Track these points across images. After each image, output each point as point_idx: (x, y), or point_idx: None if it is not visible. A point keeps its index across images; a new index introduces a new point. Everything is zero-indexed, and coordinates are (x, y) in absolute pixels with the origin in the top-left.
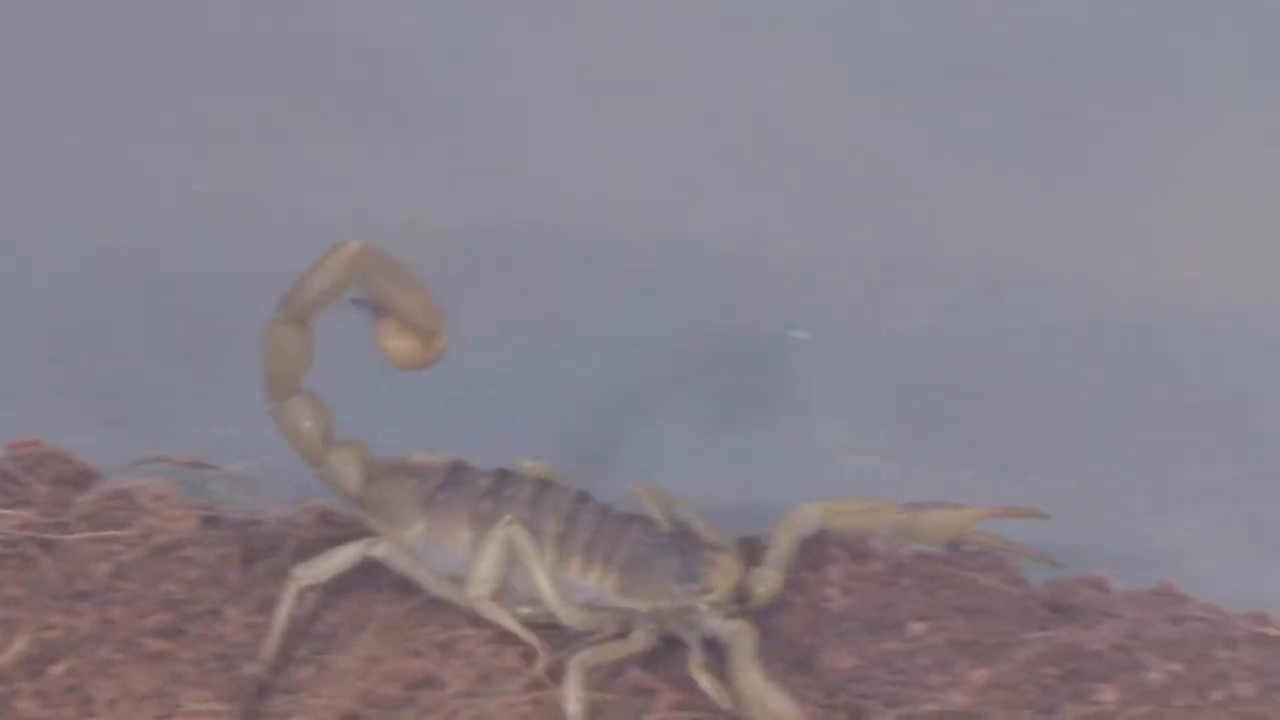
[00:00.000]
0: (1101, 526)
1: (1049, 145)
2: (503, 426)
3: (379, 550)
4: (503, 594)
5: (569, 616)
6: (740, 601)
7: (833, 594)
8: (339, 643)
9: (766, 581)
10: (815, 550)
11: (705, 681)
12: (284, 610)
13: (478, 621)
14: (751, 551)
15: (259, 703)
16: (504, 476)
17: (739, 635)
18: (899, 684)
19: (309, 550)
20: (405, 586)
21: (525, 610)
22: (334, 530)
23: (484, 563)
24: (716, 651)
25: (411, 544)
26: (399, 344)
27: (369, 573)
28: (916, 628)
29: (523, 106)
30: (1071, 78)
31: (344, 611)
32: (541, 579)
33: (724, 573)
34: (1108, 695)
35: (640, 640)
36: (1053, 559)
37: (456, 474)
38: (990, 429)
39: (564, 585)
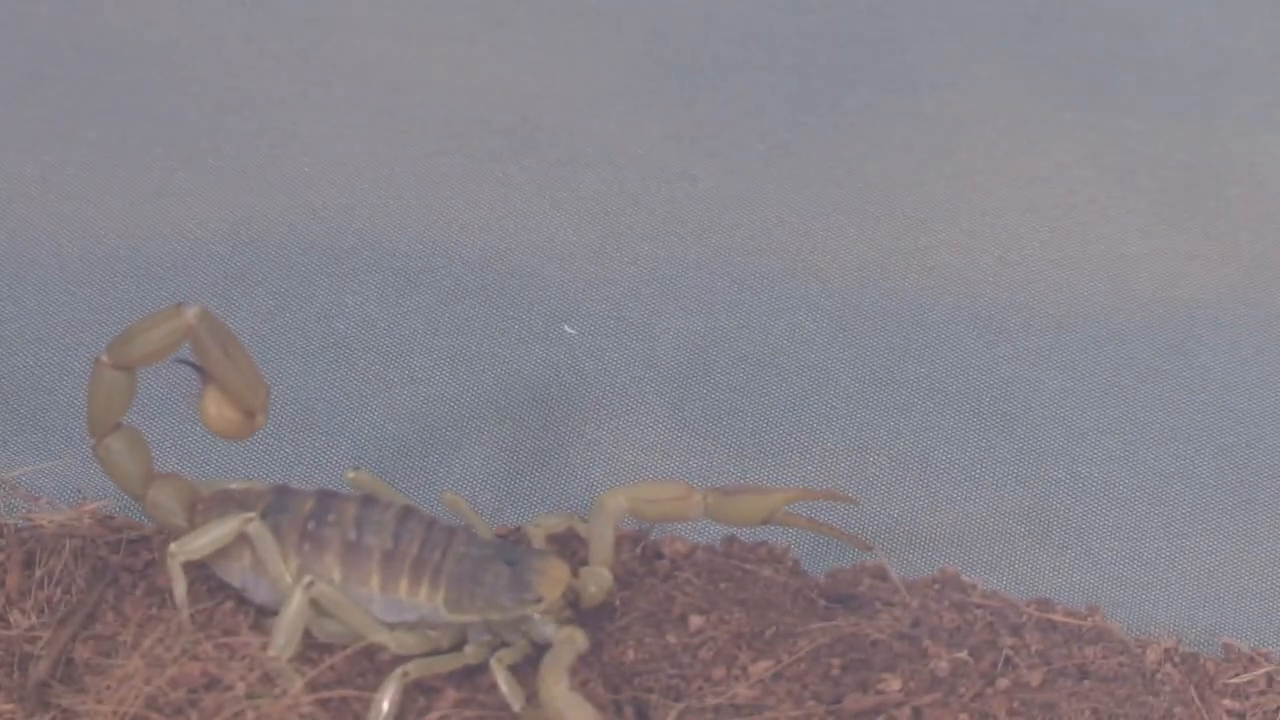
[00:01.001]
0: (875, 514)
1: (816, 134)
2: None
3: (252, 529)
4: (330, 629)
5: (400, 647)
6: (573, 605)
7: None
8: (123, 646)
9: (598, 579)
10: None
11: (501, 678)
12: (180, 584)
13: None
14: (517, 541)
15: (45, 706)
16: (326, 500)
17: (563, 643)
18: (681, 678)
19: (89, 552)
20: (190, 588)
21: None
22: (113, 534)
23: (283, 623)
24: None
25: (240, 575)
26: (219, 413)
27: (152, 575)
28: (696, 621)
29: (278, 108)
30: (839, 64)
31: (128, 614)
32: (361, 625)
33: (552, 579)
34: (892, 685)
35: (474, 653)
36: (864, 541)
37: (280, 500)
38: (759, 421)
39: (393, 605)
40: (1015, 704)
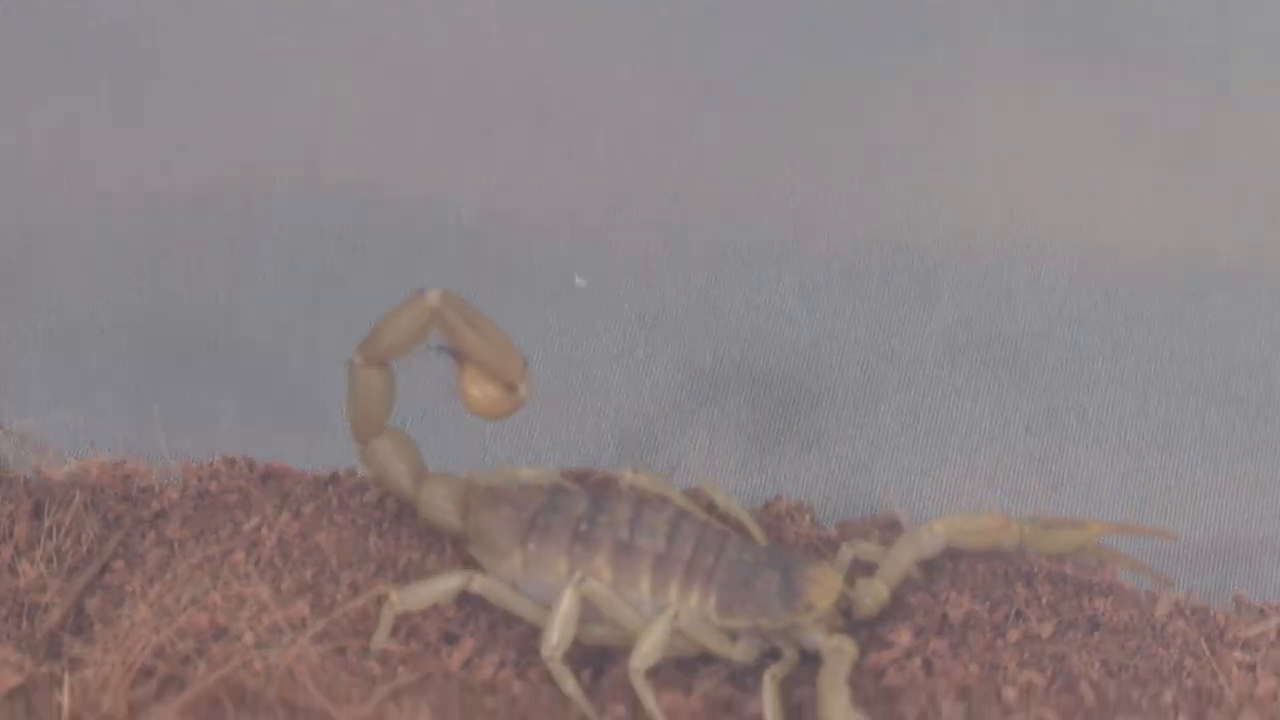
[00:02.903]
0: (887, 466)
1: (824, 90)
2: None
3: (477, 585)
4: (596, 633)
5: (669, 649)
6: (845, 615)
7: None
8: (131, 595)
9: (874, 594)
10: None
11: (769, 695)
12: (381, 636)
13: (266, 575)
14: None
15: (55, 655)
16: (599, 500)
17: (835, 653)
18: None
19: (98, 503)
20: (199, 536)
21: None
22: (122, 484)
23: (556, 621)
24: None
25: (511, 575)
26: (481, 394)
27: (162, 525)
28: None
29: (287, 66)
30: (847, 21)
31: (136, 564)
32: (631, 624)
33: (825, 589)
34: (903, 637)
35: (742, 651)
36: (1161, 575)
37: (553, 499)
38: (769, 375)
39: (663, 608)
40: (1026, 655)
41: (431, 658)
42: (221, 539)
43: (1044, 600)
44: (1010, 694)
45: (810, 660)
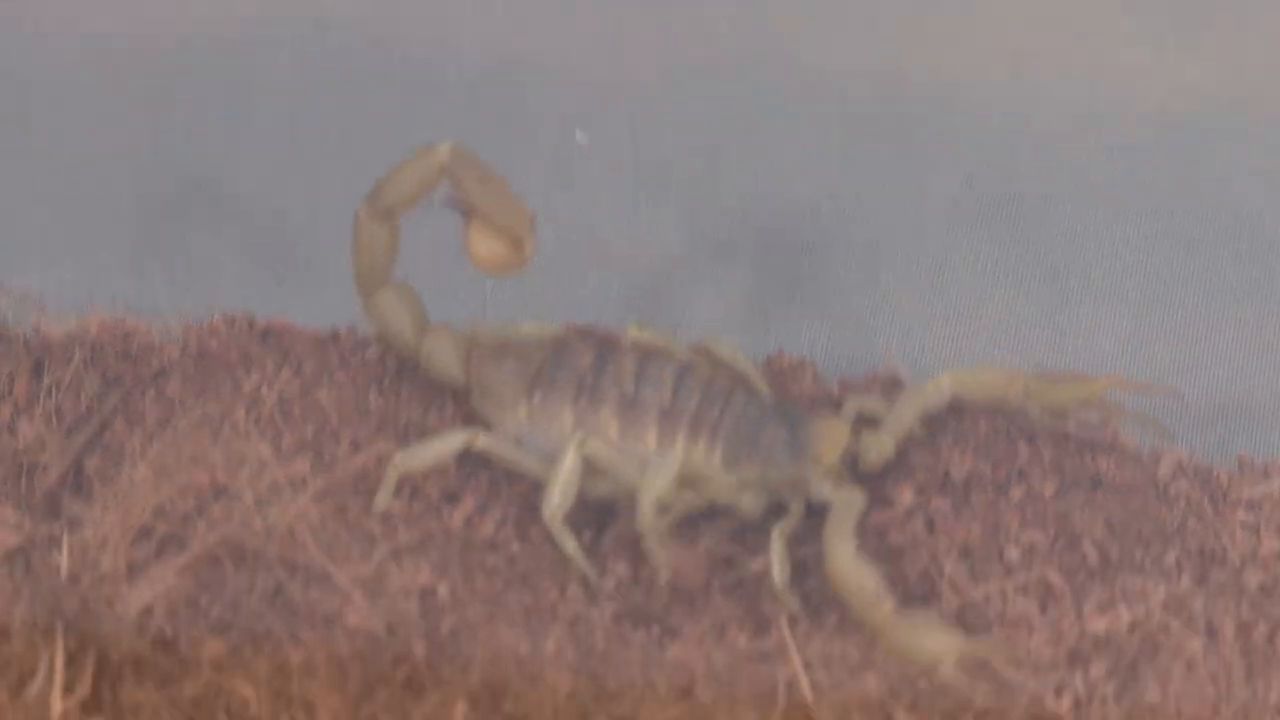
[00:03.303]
0: (889, 323)
1: None
2: None
3: (480, 443)
4: (601, 488)
5: (680, 502)
6: (850, 468)
7: None
8: (131, 454)
9: (879, 446)
10: None
11: (777, 550)
12: (384, 497)
13: (266, 433)
14: None
15: (54, 515)
16: (605, 353)
17: (843, 504)
18: None
19: (98, 361)
20: (199, 394)
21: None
22: (122, 342)
23: (557, 481)
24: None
25: (515, 428)
26: (488, 249)
27: (162, 383)
28: None
29: None
30: None
31: (136, 423)
32: (634, 481)
33: (832, 441)
34: (905, 496)
35: (747, 506)
36: (1165, 429)
37: (559, 353)
38: (772, 230)
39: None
40: (1028, 514)
41: (432, 517)
42: (222, 397)
43: (1046, 459)
44: (1013, 553)
45: (815, 515)
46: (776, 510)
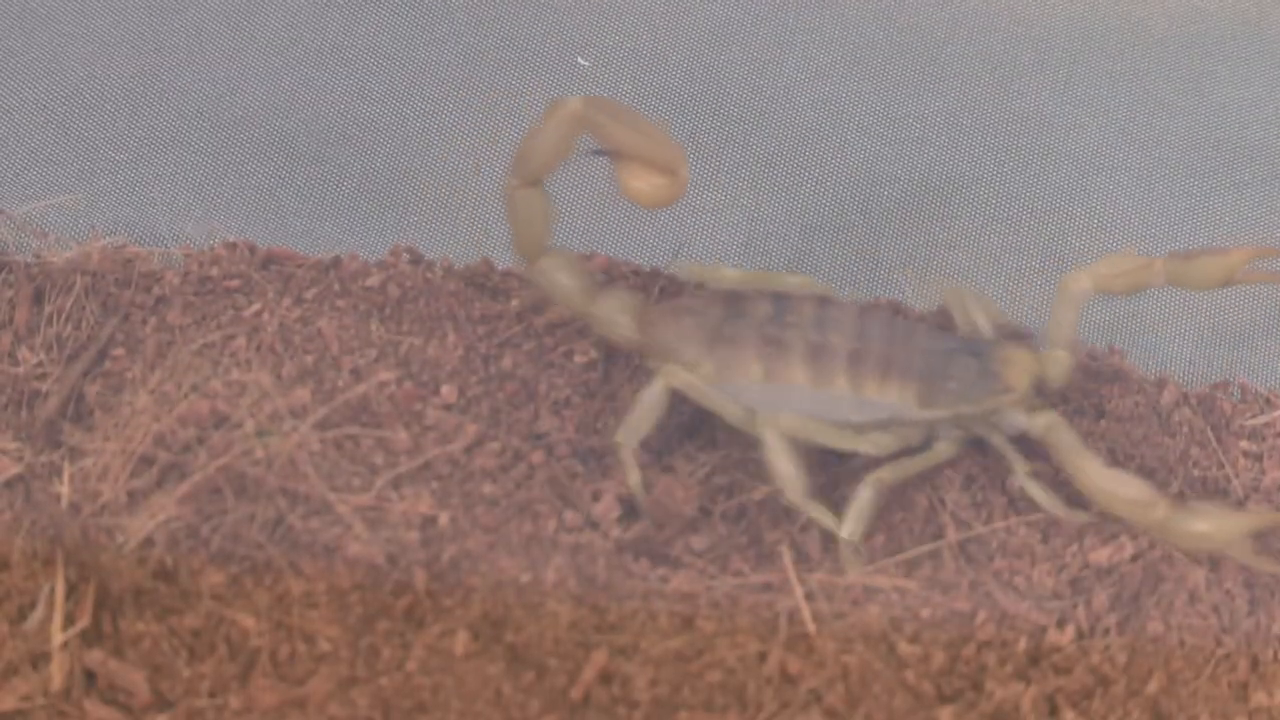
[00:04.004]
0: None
1: None
2: None
3: (678, 379)
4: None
5: (875, 448)
6: (1038, 391)
7: None
8: (132, 383)
9: (1059, 364)
10: None
11: (1036, 491)
12: (634, 475)
13: (267, 361)
14: None
15: (54, 444)
16: (781, 301)
17: (1055, 430)
18: None
19: (99, 289)
20: (200, 322)
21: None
22: (123, 269)
23: (777, 468)
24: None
25: (705, 382)
26: (645, 184)
27: (163, 310)
28: None
29: None
30: None
31: (136, 351)
32: (832, 440)
33: (1021, 368)
34: None
35: (944, 449)
36: None
37: (734, 305)
38: (773, 154)
39: (862, 405)
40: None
41: (432, 445)
42: (222, 325)
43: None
44: (1015, 483)
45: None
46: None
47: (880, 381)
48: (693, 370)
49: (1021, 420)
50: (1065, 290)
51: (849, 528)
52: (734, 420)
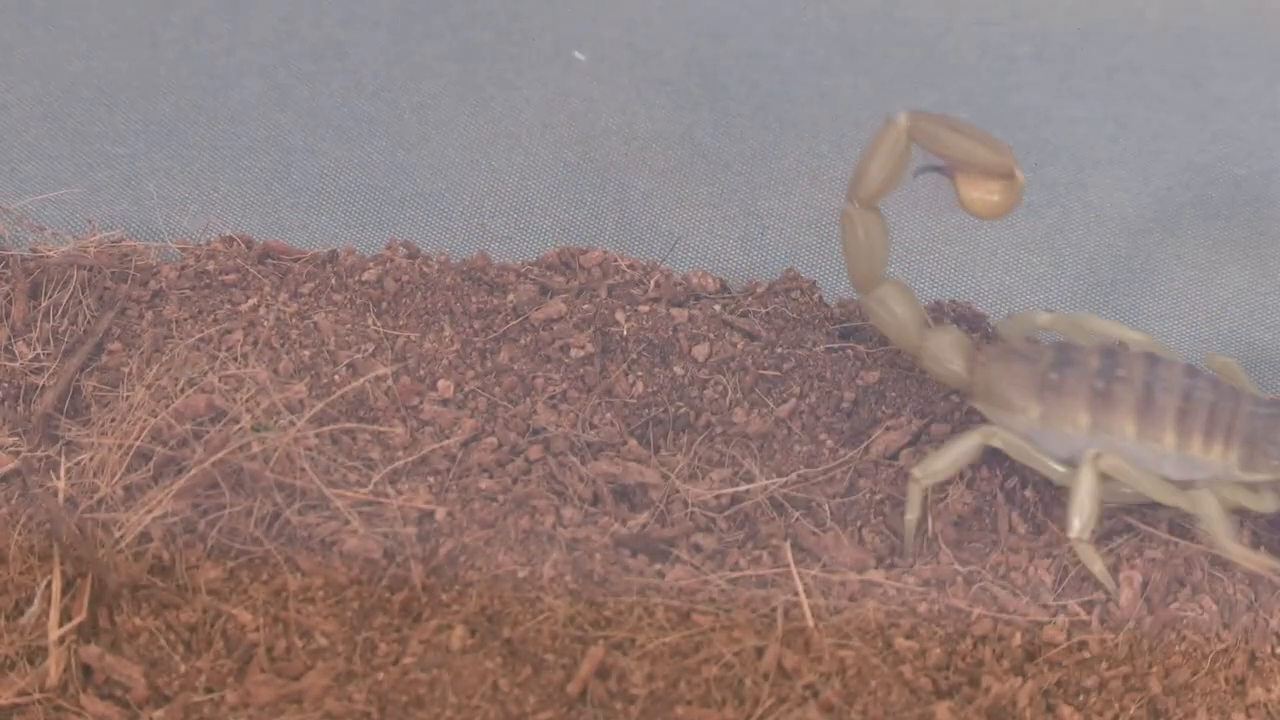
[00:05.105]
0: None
1: None
2: None
3: (998, 440)
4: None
5: (1193, 506)
6: None
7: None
8: (128, 377)
9: None
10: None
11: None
12: (915, 512)
13: (264, 356)
14: None
15: (51, 439)
16: (1111, 354)
17: None
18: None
19: (96, 283)
20: (196, 316)
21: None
22: (120, 264)
23: (1078, 500)
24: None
25: (1024, 429)
26: (981, 195)
27: (160, 305)
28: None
29: None
30: None
31: (133, 345)
32: (1153, 490)
33: None
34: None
35: (1262, 508)
36: None
37: (1064, 354)
38: (770, 149)
39: (1186, 463)
40: None
41: (429, 440)
42: (219, 319)
43: None
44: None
45: None
46: None
47: (1205, 441)
48: (1018, 415)
49: None
50: None
51: (1075, 526)
52: (1053, 477)
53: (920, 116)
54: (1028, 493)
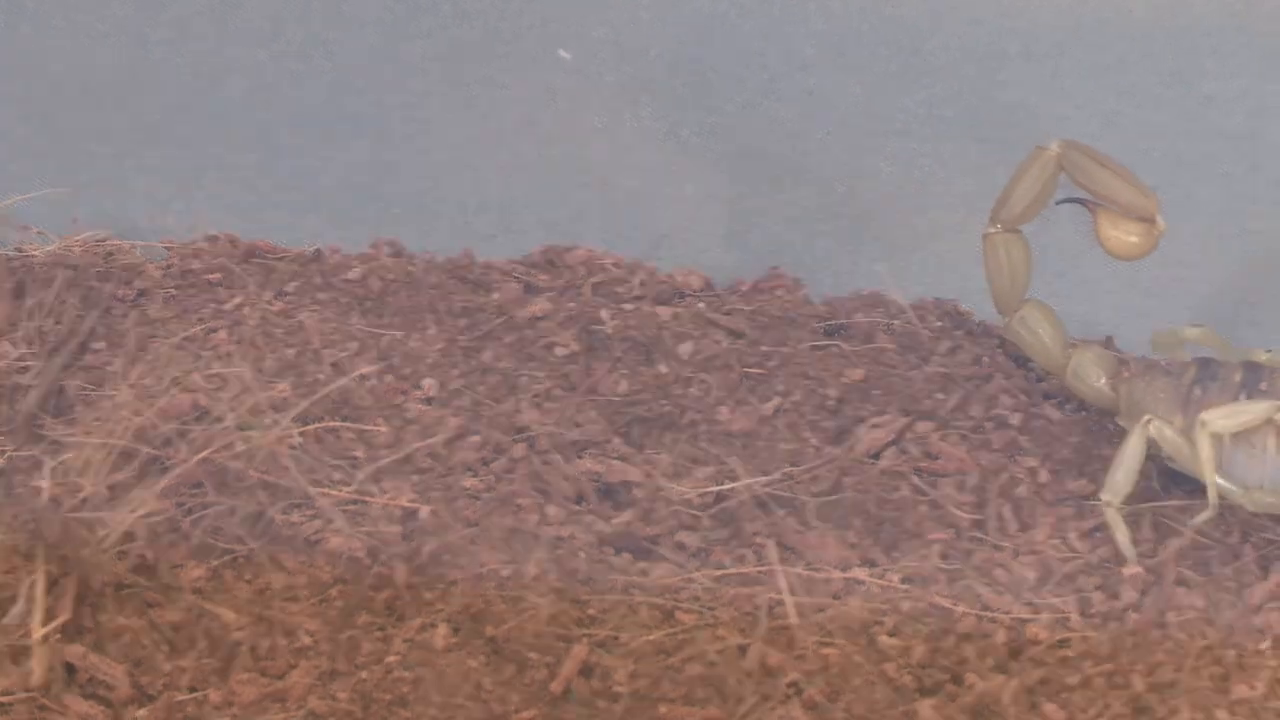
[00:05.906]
0: (873, 241)
1: None
2: None
3: (1153, 430)
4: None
5: (1254, 505)
6: None
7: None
8: (113, 376)
9: None
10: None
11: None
12: (1122, 531)
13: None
14: None
15: (35, 438)
16: (1253, 370)
17: None
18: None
19: (81, 282)
20: (181, 315)
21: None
22: (105, 263)
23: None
24: None
25: (1169, 445)
26: (1119, 235)
27: (145, 304)
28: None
29: None
30: None
31: (118, 344)
32: (1204, 472)
33: None
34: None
35: None
36: None
37: (1208, 369)
38: (756, 146)
39: None
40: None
41: (413, 438)
42: (204, 318)
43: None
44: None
45: None
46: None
47: None
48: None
49: None
50: None
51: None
52: (1203, 476)
53: (1072, 146)
54: (1020, 490)
